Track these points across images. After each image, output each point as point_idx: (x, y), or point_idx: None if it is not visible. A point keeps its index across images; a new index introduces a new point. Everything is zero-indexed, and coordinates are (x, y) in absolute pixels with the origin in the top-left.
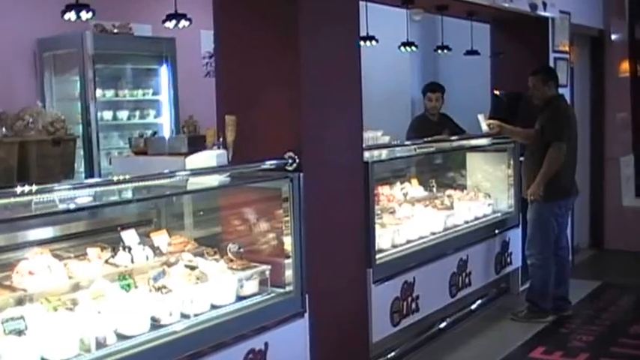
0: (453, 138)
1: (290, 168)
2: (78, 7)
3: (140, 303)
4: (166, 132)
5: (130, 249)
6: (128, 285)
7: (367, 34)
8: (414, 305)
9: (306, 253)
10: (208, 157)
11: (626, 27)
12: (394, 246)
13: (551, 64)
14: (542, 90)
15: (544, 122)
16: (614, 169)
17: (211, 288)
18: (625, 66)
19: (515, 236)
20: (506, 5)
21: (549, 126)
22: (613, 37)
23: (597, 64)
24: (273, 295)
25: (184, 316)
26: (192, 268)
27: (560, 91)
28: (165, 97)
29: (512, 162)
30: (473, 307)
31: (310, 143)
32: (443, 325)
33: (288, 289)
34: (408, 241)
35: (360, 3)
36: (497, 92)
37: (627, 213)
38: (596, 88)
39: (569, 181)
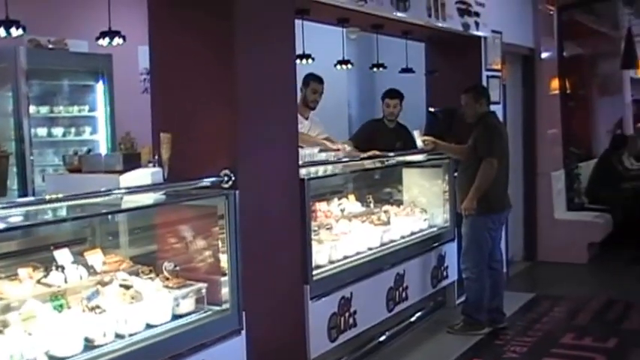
0: (390, 154)
1: (226, 185)
2: (8, 23)
3: (73, 323)
4: (103, 149)
5: (63, 268)
6: (61, 305)
7: (303, 52)
8: (351, 320)
9: (242, 271)
10: (143, 175)
11: (556, 46)
12: (331, 262)
13: (484, 81)
14: (474, 107)
15: (476, 139)
16: (546, 184)
17: (146, 307)
18: (555, 83)
19: (450, 250)
20: (440, 25)
21: (481, 142)
22: (543, 55)
23: (528, 81)
24: (209, 313)
25: (119, 336)
26: (127, 287)
27: (493, 108)
28: (101, 113)
29: (447, 177)
30: (410, 320)
31: (246, 161)
32: (381, 339)
33: (224, 306)
34: (345, 257)
35: (297, 21)
36: (432, 109)
37: (559, 226)
38: (528, 105)
39: (502, 195)
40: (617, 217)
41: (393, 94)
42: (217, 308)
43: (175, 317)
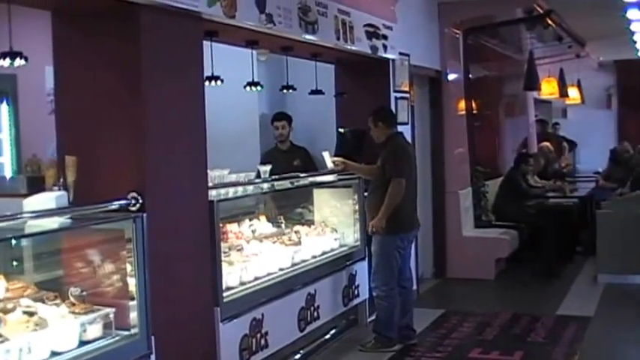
0: (302, 175)
1: (133, 208)
2: None
3: None
4: (7, 172)
5: None
6: None
7: (212, 73)
8: (263, 341)
9: (151, 294)
10: (47, 199)
11: (462, 68)
12: (242, 283)
13: (393, 103)
14: (380, 129)
15: (384, 159)
16: (454, 202)
17: (51, 334)
18: (461, 104)
19: (361, 269)
20: (349, 47)
21: (389, 163)
22: (450, 77)
23: (436, 102)
24: (117, 338)
25: None
26: (31, 314)
27: (402, 128)
28: (5, 135)
29: (357, 197)
30: (323, 339)
31: (154, 183)
32: (295, 358)
33: (133, 331)
34: (256, 278)
35: (205, 43)
36: (341, 130)
37: (467, 243)
38: (436, 126)
39: (411, 214)
40: (522, 233)
41: (279, 116)
42: (126, 333)
43: (82, 343)
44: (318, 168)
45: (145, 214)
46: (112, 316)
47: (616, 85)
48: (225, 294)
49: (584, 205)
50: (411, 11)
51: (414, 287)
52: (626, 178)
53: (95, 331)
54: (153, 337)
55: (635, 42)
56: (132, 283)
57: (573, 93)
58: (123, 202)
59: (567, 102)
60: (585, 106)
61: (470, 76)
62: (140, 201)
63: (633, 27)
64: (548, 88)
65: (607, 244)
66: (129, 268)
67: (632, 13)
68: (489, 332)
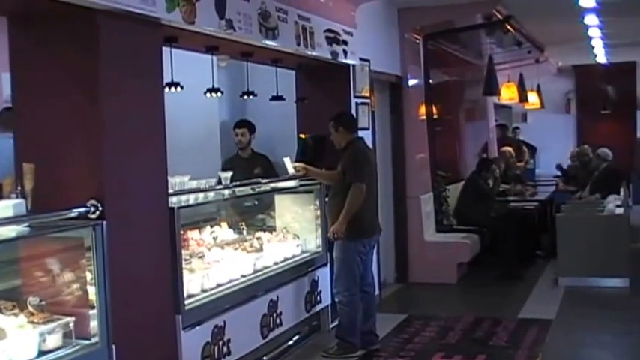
0: (263, 181)
1: (93, 216)
2: None
3: None
4: None
5: None
6: None
7: (172, 80)
8: (225, 349)
9: (111, 303)
10: (4, 207)
11: (422, 73)
12: (204, 290)
13: (354, 108)
14: (341, 134)
15: (344, 165)
16: (416, 207)
17: (10, 344)
18: (422, 109)
19: (324, 275)
20: (309, 53)
21: (349, 168)
22: (410, 82)
23: (397, 107)
24: (78, 347)
25: None
26: None
27: (363, 134)
28: None
29: (318, 203)
30: (286, 345)
31: (113, 191)
32: None
33: (94, 340)
34: (218, 285)
35: (165, 49)
36: (302, 136)
37: (429, 247)
38: (397, 131)
39: (372, 219)
40: (484, 237)
41: (240, 123)
42: (86, 342)
43: (42, 353)
44: (279, 176)
45: (104, 222)
46: (72, 325)
47: (575, 90)
48: (186, 301)
49: (545, 208)
50: (371, 17)
51: (377, 292)
52: (585, 182)
53: (55, 340)
54: (114, 346)
55: (593, 47)
56: (92, 291)
57: (533, 98)
58: (82, 209)
59: (527, 107)
60: (545, 110)
61: (430, 81)
62: (100, 209)
63: (591, 32)
64: (508, 93)
65: (567, 246)
66: (89, 276)
67: (589, 19)
68: (452, 336)
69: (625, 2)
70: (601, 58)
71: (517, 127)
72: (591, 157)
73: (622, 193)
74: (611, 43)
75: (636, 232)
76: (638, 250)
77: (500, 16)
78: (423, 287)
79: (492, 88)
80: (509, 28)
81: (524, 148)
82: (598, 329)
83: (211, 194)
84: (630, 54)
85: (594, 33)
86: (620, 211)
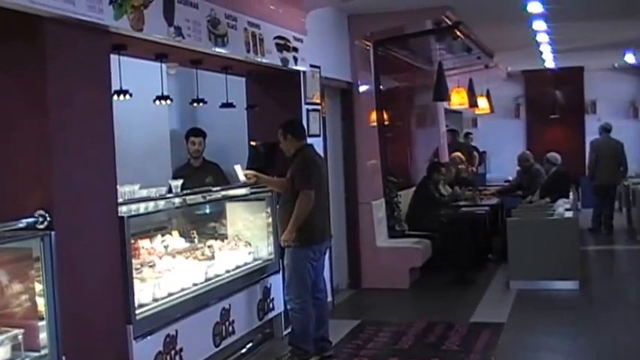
0: (215, 189)
1: (41, 226)
2: None
3: None
4: None
5: None
6: None
7: (121, 88)
8: (177, 358)
9: (61, 314)
10: None
11: (373, 79)
12: (155, 300)
13: (304, 115)
14: (289, 141)
15: (293, 171)
16: (368, 213)
17: None
18: (373, 115)
19: (276, 282)
20: (259, 60)
21: (298, 175)
22: (361, 88)
23: (347, 114)
24: (27, 359)
25: None
26: None
27: (314, 140)
28: None
29: (270, 210)
30: (238, 354)
31: (62, 201)
32: None
33: (43, 352)
34: (170, 294)
35: (113, 56)
36: (253, 143)
37: (381, 253)
38: (348, 137)
39: (322, 226)
40: (436, 242)
41: (196, 132)
42: (35, 354)
43: None
44: (230, 184)
45: (53, 233)
46: (20, 337)
47: (524, 95)
48: (137, 311)
49: (495, 213)
50: (322, 23)
51: (329, 299)
52: (531, 187)
53: (3, 353)
54: (64, 358)
55: (542, 53)
56: (41, 302)
57: (483, 103)
58: (30, 220)
59: (477, 112)
60: (495, 115)
61: (381, 87)
62: (48, 219)
63: (539, 38)
64: (458, 99)
65: (518, 250)
66: (38, 287)
67: (537, 25)
68: (405, 341)
69: (572, 8)
70: (550, 63)
71: (470, 133)
72: (532, 162)
73: (571, 197)
74: (560, 49)
75: (585, 235)
76: (588, 253)
77: (449, 23)
78: (375, 293)
79: (442, 94)
80: (458, 34)
81: (475, 153)
82: (549, 332)
83: (162, 203)
84: (578, 59)
85: (543, 38)
86: (569, 214)
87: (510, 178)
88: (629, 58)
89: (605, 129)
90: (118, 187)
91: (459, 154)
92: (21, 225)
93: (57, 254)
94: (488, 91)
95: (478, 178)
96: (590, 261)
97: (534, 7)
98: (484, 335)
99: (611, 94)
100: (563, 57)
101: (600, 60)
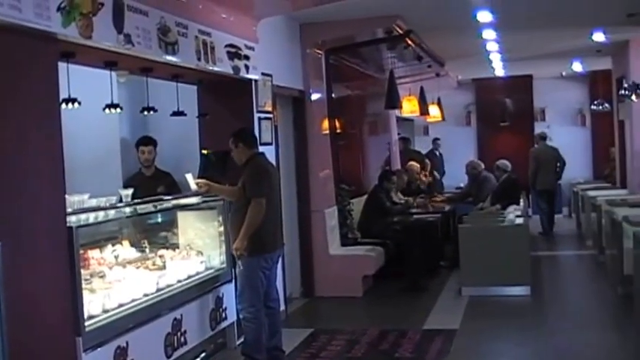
0: (166, 198)
1: None
2: None
3: None
4: None
5: None
6: None
7: (69, 96)
8: None
9: (7, 326)
10: None
11: (324, 88)
12: (105, 311)
13: (256, 123)
14: (241, 150)
15: (244, 180)
16: (320, 221)
17: None
18: (325, 124)
19: (228, 291)
20: (210, 68)
21: (249, 183)
22: (313, 97)
23: (299, 122)
24: None
25: None
26: None
27: (266, 149)
28: None
29: (221, 219)
30: None
31: (8, 211)
32: None
33: None
34: (120, 305)
35: (61, 64)
36: (205, 151)
37: (334, 261)
38: (300, 145)
39: (273, 234)
40: (388, 249)
41: (146, 140)
42: None
43: None
44: (183, 193)
45: None
46: None
47: (475, 103)
48: (87, 323)
49: (447, 220)
50: (273, 32)
51: (282, 307)
52: (480, 194)
53: None
54: None
55: (492, 61)
56: None
57: (434, 111)
58: None
59: (428, 120)
60: (446, 123)
61: (333, 95)
62: None
63: (489, 47)
64: (409, 107)
65: (469, 257)
66: None
67: (487, 34)
68: (358, 349)
69: (521, 17)
70: (499, 71)
71: (437, 139)
72: (480, 170)
73: (522, 203)
74: (509, 57)
75: (536, 241)
76: (538, 259)
77: (400, 31)
78: (328, 301)
79: (394, 102)
80: (409, 42)
81: (427, 161)
82: (501, 338)
83: (112, 212)
84: (527, 67)
85: (492, 47)
86: (520, 220)
87: (462, 185)
88: (577, 66)
89: (542, 137)
90: (66, 196)
91: (415, 163)
92: None
93: (2, 265)
94: (439, 99)
95: (437, 183)
96: (541, 266)
97: (484, 17)
98: (437, 342)
99: (560, 102)
100: (513, 65)
101: (549, 68)
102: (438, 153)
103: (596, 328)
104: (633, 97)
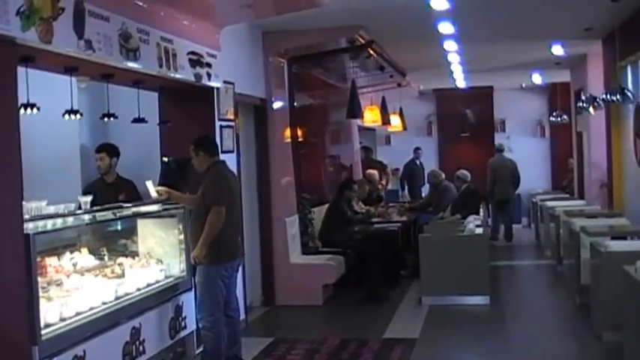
0: (126, 205)
1: None
2: None
3: None
4: None
5: None
6: None
7: (28, 101)
8: None
9: None
10: None
11: (287, 96)
12: (62, 319)
13: (218, 131)
14: (202, 157)
15: (204, 188)
16: (281, 229)
17: None
18: (287, 132)
19: (188, 300)
20: (172, 75)
21: (209, 191)
22: (275, 105)
23: (261, 130)
24: None
25: None
26: None
27: (227, 157)
28: None
29: (182, 227)
30: None
31: None
32: None
33: None
34: (78, 313)
35: (20, 69)
36: (166, 159)
37: (295, 270)
38: (262, 154)
39: (233, 243)
40: (349, 258)
41: (100, 147)
42: None
43: None
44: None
45: None
46: None
47: (436, 113)
48: (43, 331)
49: (408, 229)
50: (236, 40)
51: (242, 316)
52: (441, 203)
53: None
54: None
55: (453, 72)
56: None
57: (395, 121)
58: None
59: (390, 129)
60: (408, 133)
61: (295, 104)
62: None
63: (450, 58)
64: (371, 116)
65: (430, 266)
66: None
67: (448, 45)
68: (318, 358)
69: (481, 30)
70: (460, 82)
71: (419, 148)
72: (441, 179)
73: (481, 213)
74: (470, 69)
75: (495, 251)
76: (498, 268)
77: (362, 41)
78: (289, 310)
79: (355, 111)
80: (371, 52)
81: (389, 170)
82: (460, 347)
83: (70, 219)
84: (488, 79)
85: (453, 58)
86: (479, 230)
87: (423, 194)
88: (536, 78)
89: (499, 149)
90: (24, 203)
91: (373, 171)
92: None
93: None
94: (401, 109)
95: (389, 194)
96: (500, 276)
97: (445, 28)
98: (397, 351)
99: (520, 113)
100: (474, 77)
101: (509, 80)
102: (418, 162)
103: (554, 338)
104: (591, 110)
